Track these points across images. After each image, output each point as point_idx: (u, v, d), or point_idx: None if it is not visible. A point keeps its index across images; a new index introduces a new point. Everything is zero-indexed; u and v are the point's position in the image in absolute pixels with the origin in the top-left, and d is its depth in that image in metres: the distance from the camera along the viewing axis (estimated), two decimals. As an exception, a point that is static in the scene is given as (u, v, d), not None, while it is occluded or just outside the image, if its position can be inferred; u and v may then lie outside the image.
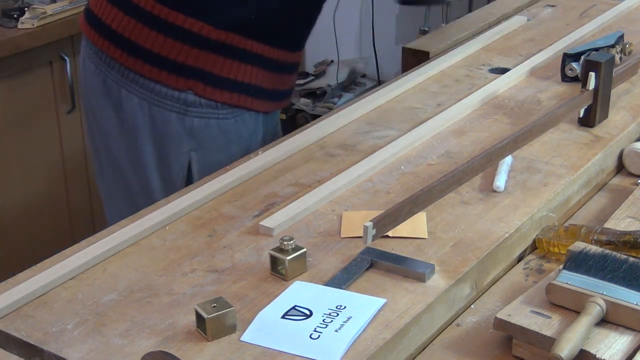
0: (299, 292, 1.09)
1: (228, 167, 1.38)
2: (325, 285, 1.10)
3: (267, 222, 1.22)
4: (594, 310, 1.02)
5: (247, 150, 1.52)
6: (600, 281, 1.06)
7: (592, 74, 1.45)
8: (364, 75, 3.28)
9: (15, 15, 2.50)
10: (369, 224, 1.07)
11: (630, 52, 1.72)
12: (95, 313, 1.06)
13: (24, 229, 2.56)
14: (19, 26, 2.47)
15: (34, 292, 1.09)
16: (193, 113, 1.51)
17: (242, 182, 1.35)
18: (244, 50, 1.50)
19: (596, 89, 1.46)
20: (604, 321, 1.04)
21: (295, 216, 1.24)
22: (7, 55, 2.41)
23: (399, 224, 1.13)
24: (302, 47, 1.64)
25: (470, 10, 2.76)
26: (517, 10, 2.04)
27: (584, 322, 1.01)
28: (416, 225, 1.21)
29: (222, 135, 1.54)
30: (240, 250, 1.18)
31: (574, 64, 1.64)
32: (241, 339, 1.01)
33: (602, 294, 1.04)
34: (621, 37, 1.71)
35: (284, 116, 3.18)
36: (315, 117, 2.93)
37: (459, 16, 2.10)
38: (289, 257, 1.11)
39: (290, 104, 3.17)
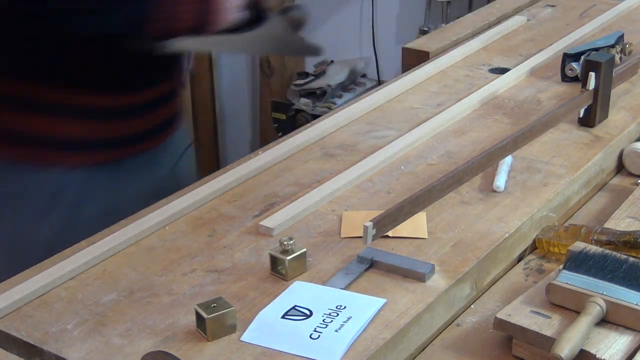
0: (299, 292, 1.09)
1: (228, 167, 1.38)
2: (325, 285, 1.10)
3: (267, 222, 1.22)
4: (594, 310, 1.02)
5: (51, 216, 1.35)
6: (600, 281, 1.06)
7: (592, 74, 1.45)
8: (364, 75, 3.28)
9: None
10: (369, 224, 1.07)
11: (630, 52, 1.72)
12: (95, 313, 1.06)
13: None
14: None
15: (34, 292, 1.09)
16: None
17: (242, 182, 1.35)
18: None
19: (596, 89, 1.46)
20: (604, 321, 1.04)
21: (295, 216, 1.24)
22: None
23: (399, 224, 1.13)
24: (128, 89, 1.37)
25: (470, 10, 2.76)
26: (517, 10, 2.05)
27: (584, 322, 1.01)
28: (416, 225, 1.21)
29: (6, 199, 1.35)
30: (240, 250, 1.18)
31: (574, 64, 1.64)
32: (241, 339, 1.01)
33: (602, 294, 1.04)
34: (621, 37, 1.71)
35: (284, 116, 3.18)
36: (315, 117, 2.93)
37: (459, 16, 2.10)
38: (289, 257, 1.11)
39: (290, 103, 3.17)
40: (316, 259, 1.16)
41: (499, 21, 1.98)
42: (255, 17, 1.36)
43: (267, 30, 1.36)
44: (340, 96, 3.13)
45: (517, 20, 1.96)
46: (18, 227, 1.36)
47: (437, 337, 1.10)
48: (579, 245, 1.14)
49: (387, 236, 1.17)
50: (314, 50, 1.52)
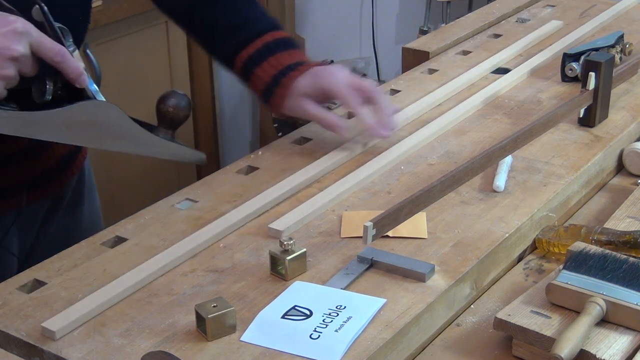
0: (299, 292, 1.09)
1: (228, 167, 1.38)
2: (325, 285, 1.10)
3: (277, 225, 1.21)
4: (594, 310, 1.02)
5: None
6: (600, 281, 1.06)
7: (592, 74, 1.45)
8: (364, 75, 3.28)
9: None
10: (369, 224, 1.07)
11: (630, 52, 1.72)
12: (96, 313, 1.06)
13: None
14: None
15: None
16: None
17: (242, 182, 1.35)
18: None
19: (596, 89, 1.46)
20: (604, 321, 1.04)
21: (304, 219, 1.23)
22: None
23: (399, 224, 1.13)
24: None
25: (470, 10, 2.76)
26: (517, 10, 2.05)
27: (584, 322, 1.01)
28: (416, 225, 1.21)
29: None
30: (240, 250, 1.18)
31: (574, 64, 1.64)
32: (241, 339, 1.01)
33: (602, 294, 1.04)
34: (621, 37, 1.71)
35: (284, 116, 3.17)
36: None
37: (459, 16, 2.10)
38: (289, 257, 1.11)
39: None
40: (316, 259, 1.16)
41: (498, 21, 1.98)
42: (65, 95, 1.14)
43: (82, 114, 1.12)
44: (340, 96, 3.12)
45: (553, 25, 1.94)
46: None
47: (437, 337, 1.10)
48: (579, 245, 1.14)
49: (387, 236, 1.17)
50: (192, 156, 1.31)
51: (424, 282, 1.10)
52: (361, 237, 1.10)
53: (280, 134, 3.07)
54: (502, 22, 1.98)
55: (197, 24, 1.47)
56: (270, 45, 1.42)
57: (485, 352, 1.07)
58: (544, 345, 1.02)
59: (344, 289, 1.09)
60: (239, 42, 1.43)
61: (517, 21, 1.97)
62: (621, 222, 1.26)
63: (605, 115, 1.51)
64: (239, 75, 1.45)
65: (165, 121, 1.24)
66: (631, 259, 1.09)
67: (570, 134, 1.47)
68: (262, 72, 1.41)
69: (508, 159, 1.35)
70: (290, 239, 1.12)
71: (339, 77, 1.39)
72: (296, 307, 1.05)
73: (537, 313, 1.05)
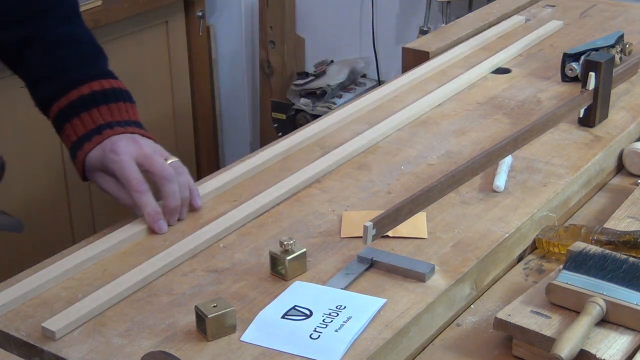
0: (299, 292, 1.09)
1: (227, 167, 1.38)
2: (325, 285, 1.10)
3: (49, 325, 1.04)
4: (594, 310, 1.02)
5: None
6: (600, 281, 1.06)
7: (592, 74, 1.45)
8: (364, 75, 3.28)
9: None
10: (369, 224, 1.07)
11: (630, 52, 1.72)
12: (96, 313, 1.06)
13: (24, 229, 2.55)
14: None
15: (33, 290, 1.09)
16: None
17: (242, 182, 1.35)
18: None
19: (596, 89, 1.46)
20: (604, 321, 1.04)
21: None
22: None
23: (399, 224, 1.13)
24: None
25: (470, 10, 2.76)
26: (517, 10, 2.05)
27: (584, 322, 1.01)
28: (416, 225, 1.21)
29: None
30: (240, 251, 1.18)
31: (574, 64, 1.64)
32: (241, 339, 1.01)
33: (602, 294, 1.04)
34: (621, 37, 1.71)
35: (284, 116, 3.18)
36: (315, 117, 2.92)
37: (459, 16, 2.10)
38: (289, 257, 1.11)
39: (290, 103, 3.17)
40: (316, 259, 1.16)
41: (498, 21, 1.99)
42: None
43: None
44: (340, 96, 3.12)
45: (516, 20, 1.96)
46: None
47: (437, 337, 1.10)
48: (579, 245, 1.14)
49: (387, 236, 1.17)
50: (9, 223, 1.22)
51: (424, 282, 1.10)
52: (361, 237, 1.10)
53: (280, 134, 3.07)
54: (502, 22, 1.98)
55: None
56: (76, 103, 1.27)
57: (485, 352, 1.07)
58: (544, 345, 1.02)
59: (344, 289, 1.09)
60: (54, 90, 1.28)
61: (517, 21, 1.97)
62: (621, 222, 1.26)
63: (605, 115, 1.51)
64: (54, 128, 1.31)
65: None
66: (631, 259, 1.09)
67: (570, 134, 1.47)
68: (65, 137, 1.28)
69: (508, 159, 1.35)
70: (290, 239, 1.12)
71: (120, 154, 1.22)
72: (296, 307, 1.05)
73: (537, 313, 1.05)
